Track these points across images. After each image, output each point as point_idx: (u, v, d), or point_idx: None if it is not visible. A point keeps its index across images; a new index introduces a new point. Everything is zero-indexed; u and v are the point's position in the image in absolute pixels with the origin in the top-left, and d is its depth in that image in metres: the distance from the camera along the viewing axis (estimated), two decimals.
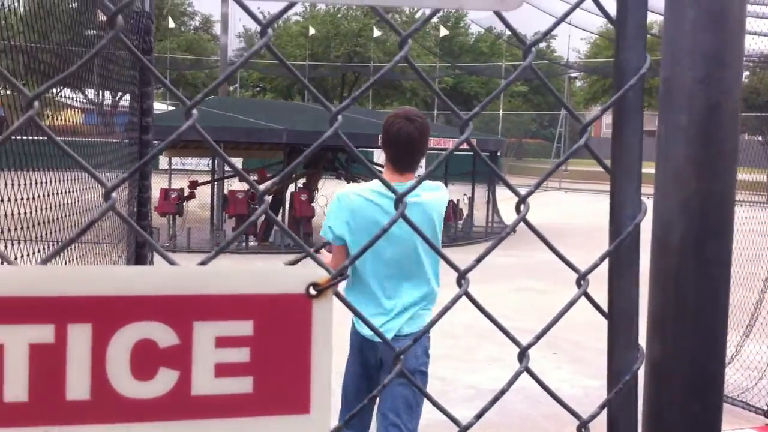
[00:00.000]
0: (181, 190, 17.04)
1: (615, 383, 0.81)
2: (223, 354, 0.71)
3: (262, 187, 0.80)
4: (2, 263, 0.72)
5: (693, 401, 0.83)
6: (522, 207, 0.83)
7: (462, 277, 0.84)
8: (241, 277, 0.72)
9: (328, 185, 19.23)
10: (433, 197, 3.61)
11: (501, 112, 45.20)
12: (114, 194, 0.69)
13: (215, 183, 18.17)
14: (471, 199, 19.13)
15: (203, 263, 0.71)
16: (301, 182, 18.17)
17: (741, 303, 6.87)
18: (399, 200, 0.80)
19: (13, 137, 0.66)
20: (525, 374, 0.88)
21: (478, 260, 0.81)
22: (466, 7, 0.81)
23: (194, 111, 0.75)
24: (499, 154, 20.57)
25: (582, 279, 0.84)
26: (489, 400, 0.85)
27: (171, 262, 0.71)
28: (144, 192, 5.13)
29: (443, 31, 42.50)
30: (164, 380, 0.70)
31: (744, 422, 5.73)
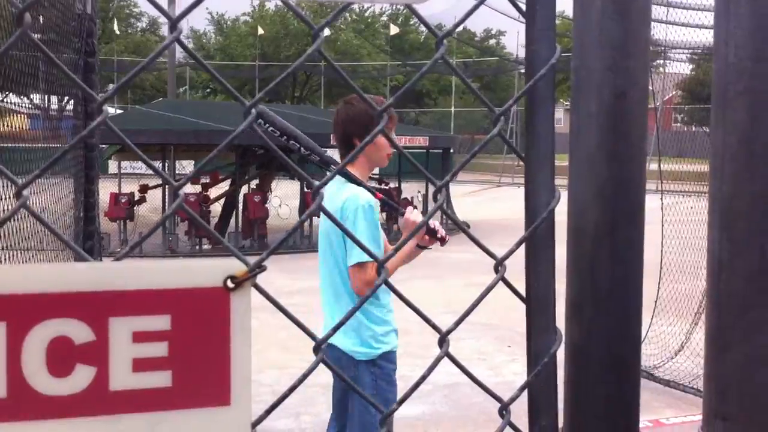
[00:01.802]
0: (132, 194, 16.83)
1: (534, 366, 0.83)
2: (140, 349, 0.71)
3: (192, 185, 0.80)
4: None
5: (610, 381, 0.85)
6: (439, 196, 0.85)
7: (380, 267, 0.85)
8: (158, 272, 0.73)
9: (282, 186, 19.14)
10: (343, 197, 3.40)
11: (453, 109, 45.48)
12: (25, 192, 0.69)
13: (166, 186, 17.97)
14: (425, 196, 19.23)
15: (117, 260, 0.71)
16: (254, 184, 18.07)
17: (689, 292, 7.00)
18: (315, 192, 0.81)
19: None
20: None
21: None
22: (378, 2, 0.83)
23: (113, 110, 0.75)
24: (452, 150, 20.69)
25: (499, 265, 0.86)
26: (414, 389, 0.87)
27: (85, 259, 0.71)
28: (90, 197, 5.06)
29: (393, 29, 42.55)
30: (81, 376, 0.70)
31: (695, 409, 5.85)
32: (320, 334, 0.83)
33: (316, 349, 0.79)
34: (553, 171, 0.87)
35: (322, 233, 3.51)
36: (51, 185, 5.26)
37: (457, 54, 45.63)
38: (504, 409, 0.84)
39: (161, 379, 0.72)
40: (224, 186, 18.10)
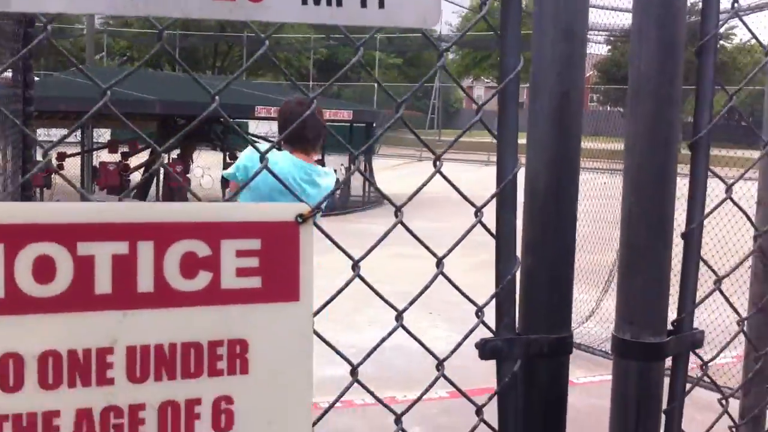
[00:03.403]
0: (48, 161, 16.61)
1: (501, 282, 1.19)
2: (241, 261, 1.04)
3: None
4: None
5: (552, 293, 1.22)
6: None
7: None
8: (251, 210, 1.05)
9: (204, 157, 19.17)
10: (325, 183, 3.84)
11: (376, 84, 45.84)
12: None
13: (84, 155, 17.80)
14: (348, 169, 19.54)
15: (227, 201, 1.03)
16: (175, 153, 18.06)
17: (601, 262, 7.55)
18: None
19: None
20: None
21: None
22: (392, 24, 1.16)
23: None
24: (374, 125, 21.05)
25: (479, 211, 1.21)
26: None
27: (198, 200, 1.03)
28: (27, 162, 5.21)
29: None
30: (203, 278, 1.02)
31: (603, 370, 6.36)
32: None
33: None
34: (516, 148, 1.22)
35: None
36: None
37: (383, 30, 45.83)
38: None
39: (254, 282, 1.05)
40: (144, 156, 18.02)
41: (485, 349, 1.18)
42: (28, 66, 5.47)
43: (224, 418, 1.03)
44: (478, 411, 1.22)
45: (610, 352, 5.25)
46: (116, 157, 17.83)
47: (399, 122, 1.34)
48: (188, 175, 17.13)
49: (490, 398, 1.22)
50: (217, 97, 1.12)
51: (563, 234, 1.23)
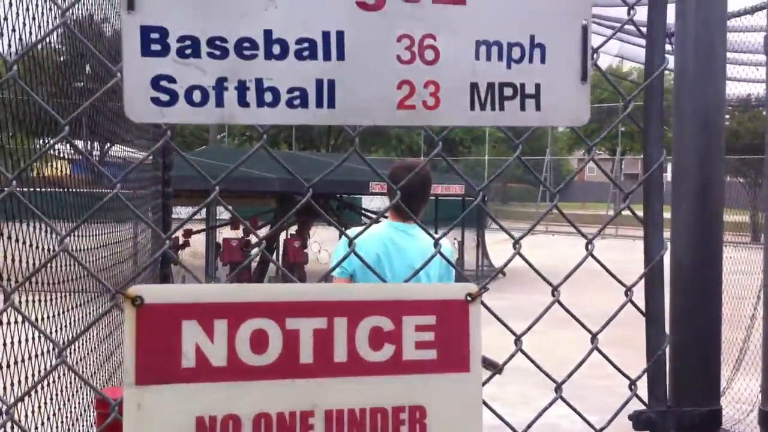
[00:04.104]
0: (176, 238, 17.43)
1: (651, 356, 1.29)
2: (419, 335, 1.18)
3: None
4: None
5: (702, 367, 1.31)
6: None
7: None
8: (427, 289, 1.20)
9: (320, 232, 19.70)
10: (424, 239, 3.79)
11: (486, 157, 46.11)
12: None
13: (209, 231, 18.60)
14: (461, 243, 19.63)
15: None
16: (293, 229, 18.62)
17: (731, 339, 7.30)
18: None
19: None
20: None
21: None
22: (547, 125, 1.30)
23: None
24: (486, 198, 21.15)
25: (629, 290, 1.32)
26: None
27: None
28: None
29: None
30: (387, 350, 1.17)
31: None
32: None
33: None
34: (663, 230, 1.33)
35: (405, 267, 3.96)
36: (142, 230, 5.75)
37: None
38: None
39: (431, 354, 1.19)
40: (264, 232, 18.64)
41: (639, 420, 1.27)
42: (167, 149, 5.90)
43: None
44: None
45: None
46: (238, 233, 18.54)
47: (511, 196, 1.47)
48: (305, 251, 17.60)
49: None
50: (311, 190, 1.27)
51: (709, 310, 1.32)
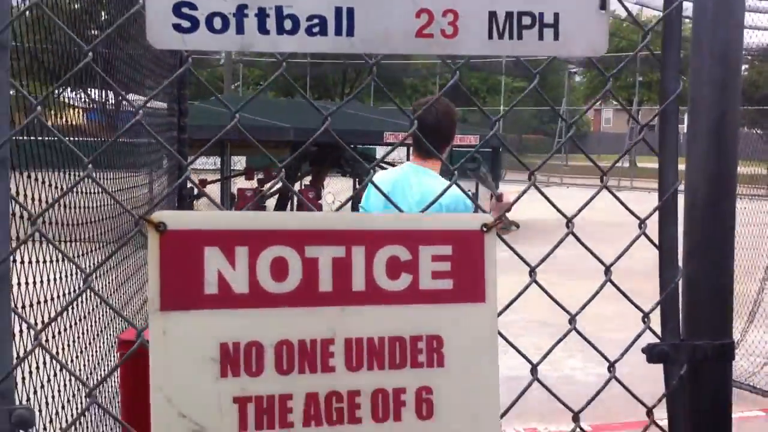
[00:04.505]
0: (191, 188, 17.50)
1: (664, 289, 1.31)
2: (435, 265, 1.21)
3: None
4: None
5: (714, 301, 1.33)
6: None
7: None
8: (444, 219, 1.22)
9: (334, 183, 19.72)
10: (429, 183, 3.71)
11: (502, 107, 45.82)
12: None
13: (224, 181, 18.66)
14: (475, 195, 19.61)
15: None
16: (307, 180, 18.67)
17: (744, 292, 7.26)
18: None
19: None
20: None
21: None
22: (566, 54, 1.30)
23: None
24: (500, 150, 21.05)
25: (642, 223, 1.33)
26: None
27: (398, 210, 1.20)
28: (183, 187, 5.62)
29: None
30: (404, 280, 1.19)
31: (751, 405, 6.14)
32: None
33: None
34: (677, 163, 1.34)
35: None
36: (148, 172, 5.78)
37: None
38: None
39: (447, 284, 1.21)
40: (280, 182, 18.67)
41: (653, 354, 1.30)
42: (183, 96, 5.90)
43: (425, 407, 1.19)
44: (649, 412, 1.33)
45: (757, 386, 5.03)
46: (253, 184, 18.59)
47: (526, 147, 1.47)
48: (320, 201, 17.66)
49: (659, 400, 1.33)
50: (329, 119, 1.28)
51: (722, 244, 1.34)
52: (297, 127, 16.75)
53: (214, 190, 18.30)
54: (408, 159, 4.40)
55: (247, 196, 17.71)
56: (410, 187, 3.77)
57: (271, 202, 18.40)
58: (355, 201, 4.09)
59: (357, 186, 18.55)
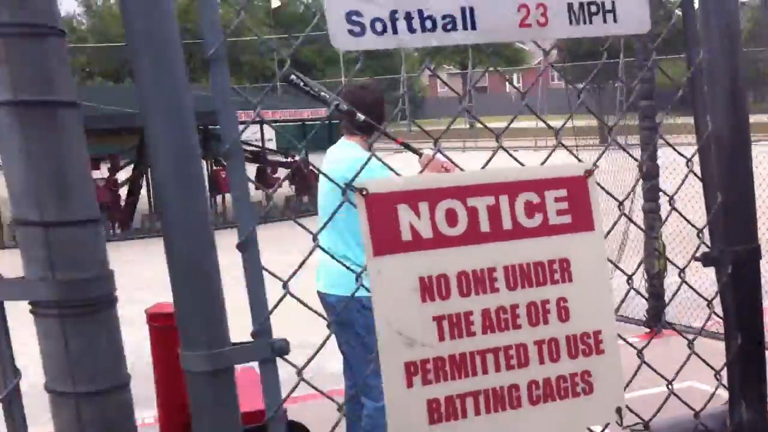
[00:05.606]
0: None
1: (709, 211, 1.70)
2: (558, 205, 1.53)
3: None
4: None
5: (744, 216, 1.72)
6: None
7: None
8: (558, 169, 1.54)
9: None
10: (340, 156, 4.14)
11: (342, 79, 46.21)
12: None
13: None
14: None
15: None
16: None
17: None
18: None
19: None
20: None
21: None
22: (624, 33, 1.65)
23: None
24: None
25: (689, 162, 1.72)
26: None
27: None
28: None
29: (275, 3, 42.73)
30: (538, 218, 1.51)
31: (626, 333, 6.84)
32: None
33: None
34: (706, 113, 1.72)
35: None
36: None
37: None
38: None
39: (567, 219, 1.54)
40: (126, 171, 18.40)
41: (707, 260, 1.68)
42: None
43: (563, 313, 1.52)
44: (709, 304, 1.74)
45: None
46: (103, 174, 18.04)
47: (395, 116, 1.75)
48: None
49: (714, 297, 1.73)
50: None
51: (746, 175, 1.74)
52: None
53: None
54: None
55: (99, 187, 17.17)
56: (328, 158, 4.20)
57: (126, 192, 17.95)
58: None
59: (214, 167, 18.49)
